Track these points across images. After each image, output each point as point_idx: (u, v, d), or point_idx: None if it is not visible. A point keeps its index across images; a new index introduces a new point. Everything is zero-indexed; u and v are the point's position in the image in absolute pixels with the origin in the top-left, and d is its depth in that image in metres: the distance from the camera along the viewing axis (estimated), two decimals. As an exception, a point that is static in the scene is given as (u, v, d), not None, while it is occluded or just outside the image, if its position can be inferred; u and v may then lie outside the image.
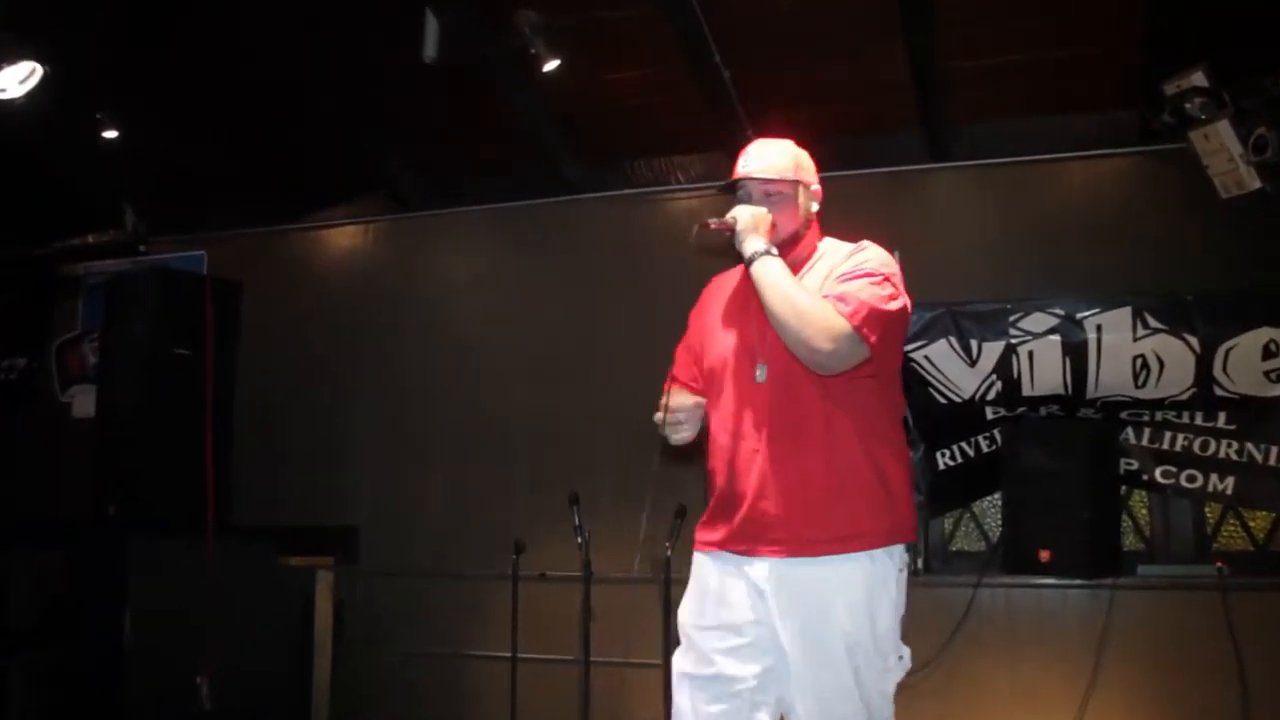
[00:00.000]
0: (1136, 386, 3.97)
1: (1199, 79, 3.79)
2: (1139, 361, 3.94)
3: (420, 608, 5.07)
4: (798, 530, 2.32)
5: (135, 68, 4.97)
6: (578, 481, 4.31)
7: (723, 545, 2.42)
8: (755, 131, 4.52)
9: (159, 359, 4.56)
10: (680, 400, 2.46)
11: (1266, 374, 3.83)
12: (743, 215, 2.41)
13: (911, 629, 2.41)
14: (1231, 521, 4.34)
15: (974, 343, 4.12)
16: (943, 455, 4.40)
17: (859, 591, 2.31)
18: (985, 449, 4.36)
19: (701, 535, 2.49)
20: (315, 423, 5.39)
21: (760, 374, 2.39)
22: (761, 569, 2.35)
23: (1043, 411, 4.17)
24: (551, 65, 4.44)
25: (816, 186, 2.53)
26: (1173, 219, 4.23)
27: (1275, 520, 4.25)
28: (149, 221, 5.58)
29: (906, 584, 2.40)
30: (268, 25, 4.68)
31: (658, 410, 2.45)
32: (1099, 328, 3.98)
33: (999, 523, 4.42)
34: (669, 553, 3.89)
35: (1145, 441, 4.15)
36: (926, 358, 4.17)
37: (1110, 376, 3.98)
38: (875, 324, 2.28)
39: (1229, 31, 3.88)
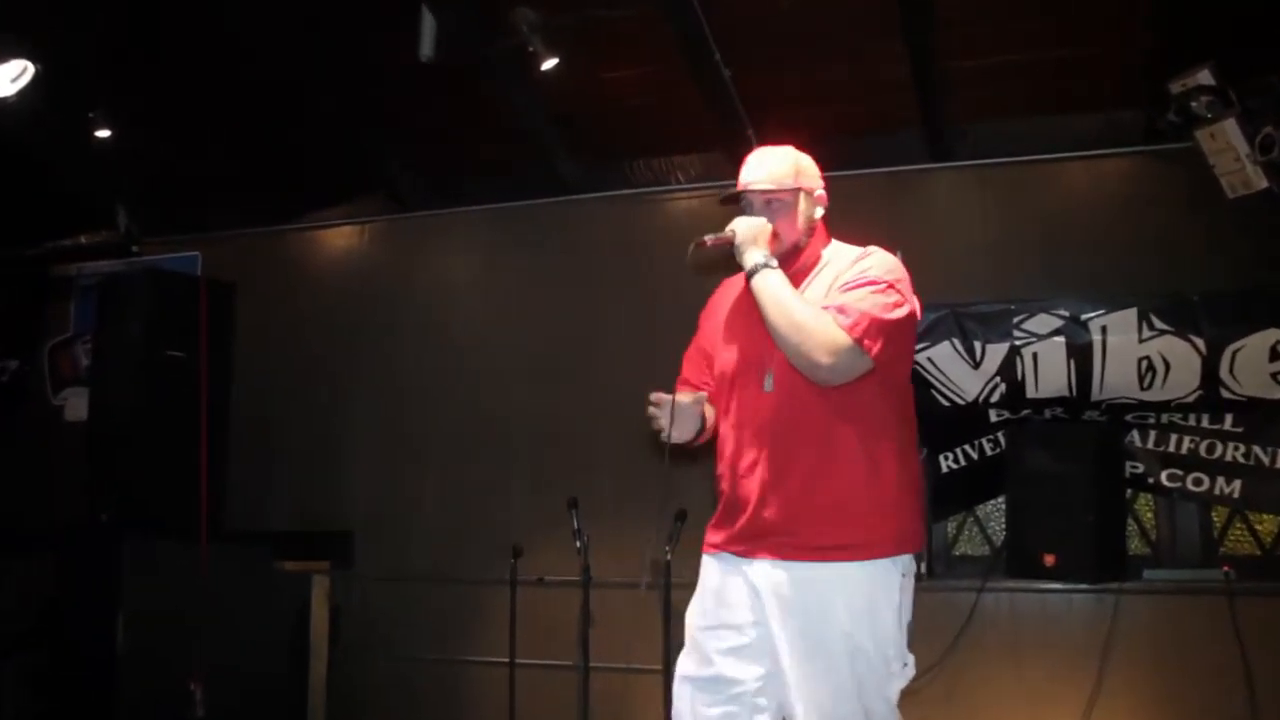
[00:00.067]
0: (1142, 389, 3.94)
1: (1205, 77, 3.77)
2: (1144, 363, 3.92)
3: (417, 613, 5.04)
4: (799, 538, 2.32)
5: (128, 66, 4.96)
6: (577, 484, 4.28)
7: (724, 547, 2.43)
8: (755, 131, 4.56)
9: (152, 361, 4.56)
10: (679, 398, 2.44)
11: (1274, 376, 3.80)
12: (741, 227, 2.40)
13: (914, 634, 2.39)
14: (1238, 525, 4.32)
15: (977, 344, 4.10)
16: (946, 458, 4.38)
17: (859, 595, 2.30)
18: (989, 452, 4.34)
19: (708, 537, 2.50)
20: (311, 425, 5.37)
21: (768, 383, 2.38)
22: (760, 570, 2.35)
23: (1047, 414, 4.15)
24: (549, 64, 4.43)
25: (820, 191, 2.51)
26: (1178, 219, 4.20)
27: (1283, 524, 4.23)
28: (142, 222, 5.60)
29: (913, 591, 2.38)
30: (263, 24, 4.67)
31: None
32: (1104, 329, 3.96)
33: (1003, 527, 4.40)
34: (669, 557, 3.86)
35: (1151, 444, 4.13)
36: (929, 360, 4.14)
37: (1115, 378, 3.96)
38: (876, 334, 2.27)
39: (1235, 30, 3.86)
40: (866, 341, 2.25)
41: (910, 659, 2.36)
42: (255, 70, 4.86)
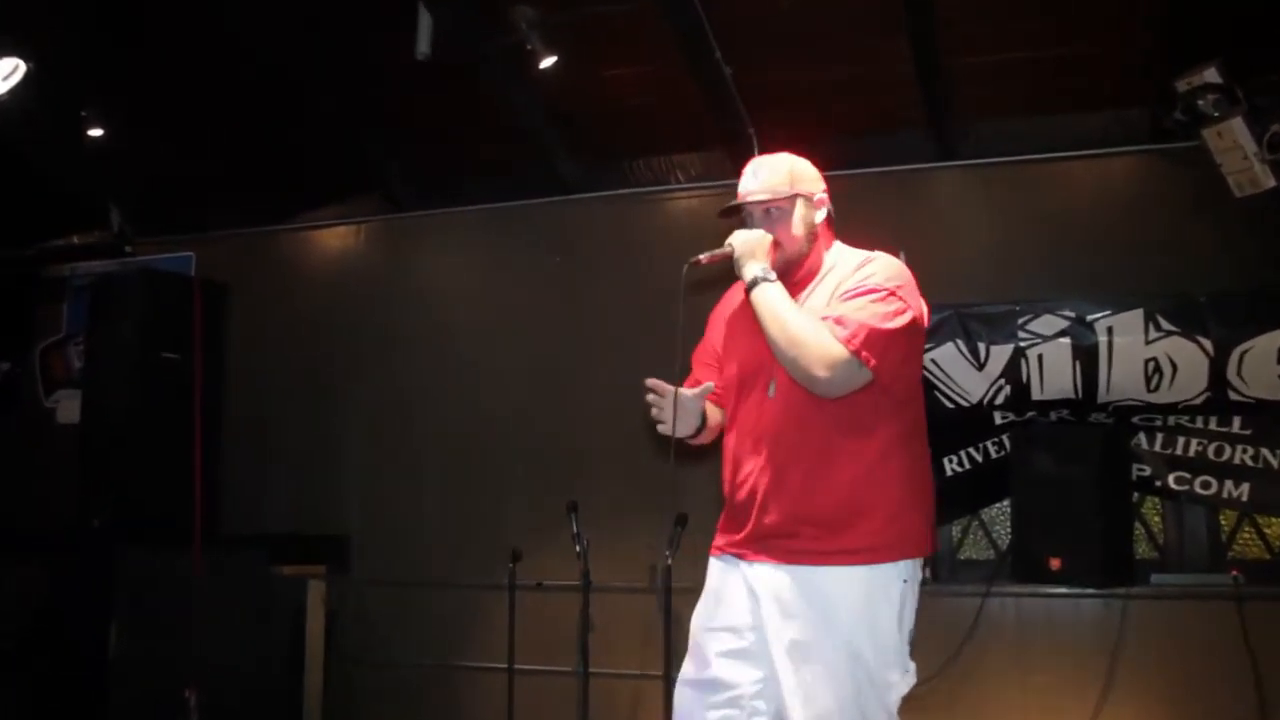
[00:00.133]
0: (1149, 390, 3.92)
1: (1212, 75, 3.75)
2: (1151, 365, 3.91)
3: (415, 618, 5.01)
4: (799, 542, 2.32)
5: (121, 64, 4.94)
6: (576, 487, 4.28)
7: (727, 549, 2.45)
8: (756, 130, 4.52)
9: (146, 363, 4.53)
10: (682, 392, 2.42)
11: (1282, 377, 3.79)
12: (739, 241, 2.40)
13: (917, 639, 2.37)
14: (1247, 529, 4.30)
15: (982, 346, 4.09)
16: (950, 461, 4.35)
17: (859, 599, 2.29)
18: (994, 454, 4.31)
19: (714, 540, 2.52)
20: (307, 428, 5.35)
21: (771, 389, 2.39)
22: (760, 573, 2.36)
23: (1052, 416, 4.13)
24: (548, 62, 4.42)
25: (820, 195, 2.49)
26: (1185, 218, 4.18)
27: (1291, 527, 4.22)
28: (136, 222, 5.59)
29: (915, 598, 2.36)
30: (259, 23, 4.65)
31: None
32: (1110, 330, 3.95)
33: (1008, 530, 4.39)
34: (669, 561, 3.83)
35: (1158, 447, 4.11)
36: (933, 361, 4.12)
37: (1122, 380, 3.94)
38: (875, 345, 2.25)
39: (1242, 27, 3.84)
40: (864, 353, 2.24)
41: (911, 667, 2.34)
42: (250, 69, 4.84)
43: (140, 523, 4.37)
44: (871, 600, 2.29)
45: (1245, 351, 3.80)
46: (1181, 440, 4.06)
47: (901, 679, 2.31)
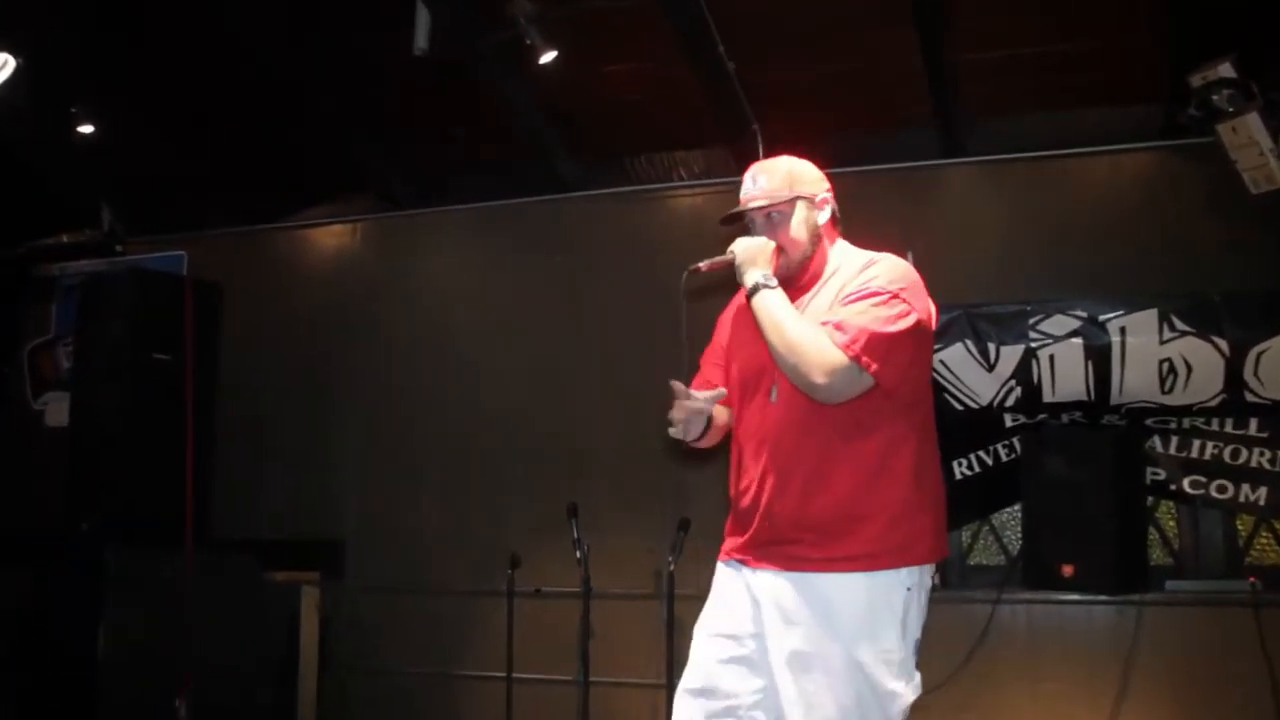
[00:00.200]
0: (1163, 392, 3.90)
1: (1226, 70, 3.72)
2: (1165, 366, 3.89)
3: (410, 625, 4.99)
4: (802, 548, 2.31)
5: (112, 61, 4.92)
6: (576, 491, 4.27)
7: (733, 554, 2.45)
8: (759, 126, 4.48)
9: (136, 364, 4.53)
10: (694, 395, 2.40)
11: (1300, 379, 3.78)
12: (741, 248, 2.40)
13: (927, 647, 2.33)
14: (1264, 534, 4.27)
15: (992, 346, 4.07)
16: (959, 465, 4.33)
17: (861, 607, 2.27)
18: (1004, 458, 4.30)
19: (723, 545, 2.51)
20: (300, 430, 5.33)
21: (774, 394, 2.38)
22: (763, 580, 2.35)
23: (1064, 418, 4.11)
24: (548, 58, 4.39)
25: (823, 196, 2.46)
26: (1199, 216, 4.15)
27: (1309, 533, 4.21)
28: (126, 220, 5.59)
29: (922, 605, 2.32)
30: (253, 20, 4.63)
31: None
32: (1123, 330, 3.93)
33: (1019, 535, 4.36)
34: (672, 567, 3.79)
35: (1173, 450, 4.10)
36: (942, 362, 4.09)
37: (1135, 382, 3.92)
38: (876, 350, 2.22)
39: (1256, 22, 3.81)
40: (865, 359, 2.21)
41: (916, 677, 2.30)
42: (246, 67, 4.83)
43: (130, 526, 4.36)
44: (873, 608, 2.26)
45: (1262, 352, 3.78)
46: (1197, 443, 4.05)
47: (906, 689, 2.26)
